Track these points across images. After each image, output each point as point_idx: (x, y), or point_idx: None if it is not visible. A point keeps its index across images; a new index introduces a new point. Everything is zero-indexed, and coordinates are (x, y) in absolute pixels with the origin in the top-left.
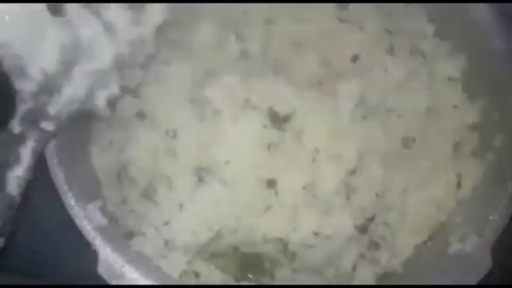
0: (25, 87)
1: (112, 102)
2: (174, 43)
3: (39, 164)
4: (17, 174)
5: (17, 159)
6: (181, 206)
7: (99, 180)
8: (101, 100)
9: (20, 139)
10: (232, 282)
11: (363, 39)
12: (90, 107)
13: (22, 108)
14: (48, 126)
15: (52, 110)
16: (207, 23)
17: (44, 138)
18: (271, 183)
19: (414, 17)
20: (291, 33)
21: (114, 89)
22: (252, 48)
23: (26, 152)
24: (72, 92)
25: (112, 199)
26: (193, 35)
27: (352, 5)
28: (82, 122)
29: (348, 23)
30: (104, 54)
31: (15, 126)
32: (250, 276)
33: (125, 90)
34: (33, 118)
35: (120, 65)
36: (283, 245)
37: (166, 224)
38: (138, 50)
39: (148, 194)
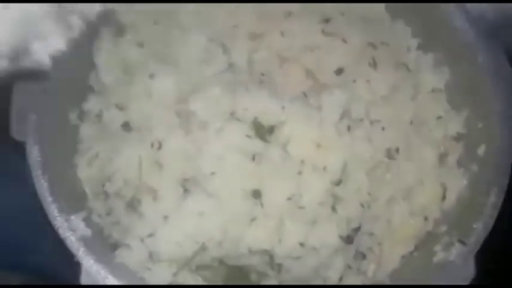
0: None
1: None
2: (160, 56)
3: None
4: None
5: None
6: (166, 218)
7: (84, 191)
8: (41, 55)
9: None
10: None
11: (347, 52)
12: (28, 65)
13: None
14: None
15: None
16: (194, 36)
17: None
18: (257, 194)
19: (398, 31)
20: (277, 47)
21: (55, 42)
22: (238, 61)
23: None
24: None
25: (97, 210)
26: (179, 48)
27: (336, 19)
28: (68, 133)
29: (332, 36)
30: None
31: None
32: None
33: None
34: None
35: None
36: (269, 256)
37: (151, 235)
38: None
39: (133, 206)
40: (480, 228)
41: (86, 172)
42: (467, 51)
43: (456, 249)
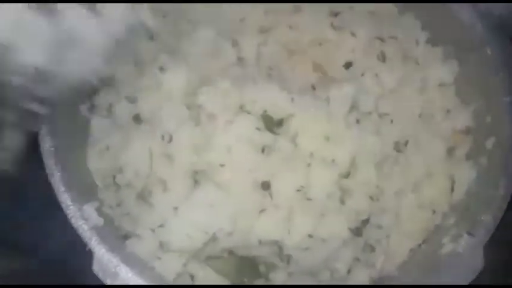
0: (16, 79)
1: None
2: (171, 50)
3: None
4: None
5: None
6: (176, 209)
7: (94, 183)
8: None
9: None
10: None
11: (355, 46)
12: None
13: (13, 96)
14: (40, 109)
15: (44, 94)
16: (204, 30)
17: (37, 121)
18: (266, 186)
19: (407, 24)
20: (286, 40)
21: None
22: (247, 55)
23: (16, 137)
24: (64, 79)
25: (108, 202)
26: (190, 42)
27: (344, 13)
28: (79, 126)
29: (340, 30)
30: (95, 42)
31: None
32: (246, 280)
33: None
34: (24, 103)
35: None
36: (278, 248)
37: (161, 226)
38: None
39: (143, 197)
40: (489, 220)
41: (96, 164)
42: (475, 45)
43: (465, 241)
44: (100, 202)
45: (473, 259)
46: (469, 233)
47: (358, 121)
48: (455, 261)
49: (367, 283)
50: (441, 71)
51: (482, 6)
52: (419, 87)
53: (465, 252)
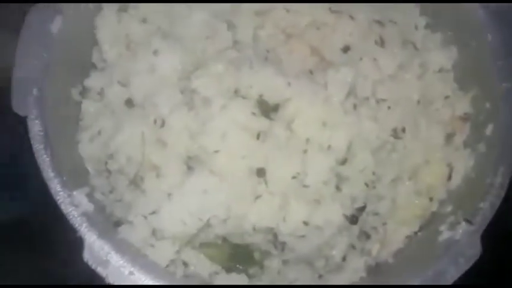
0: None
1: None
2: (164, 33)
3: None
4: None
5: None
6: (169, 195)
7: (86, 169)
8: None
9: None
10: (222, 272)
11: (353, 30)
12: None
13: None
14: None
15: None
16: (199, 13)
17: None
18: (261, 173)
19: (406, 9)
20: (283, 24)
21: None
22: (243, 38)
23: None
24: None
25: (99, 188)
26: (184, 24)
27: None
28: (70, 110)
29: (338, 13)
30: None
31: None
32: (240, 267)
33: None
34: None
35: None
36: (272, 235)
37: (154, 213)
38: None
39: (136, 183)
40: (487, 207)
41: (88, 149)
42: (476, 31)
43: (462, 228)
44: (91, 188)
45: (470, 246)
46: (467, 220)
47: (355, 106)
48: (452, 248)
49: (363, 270)
50: (440, 56)
51: None
52: (418, 73)
53: (462, 239)
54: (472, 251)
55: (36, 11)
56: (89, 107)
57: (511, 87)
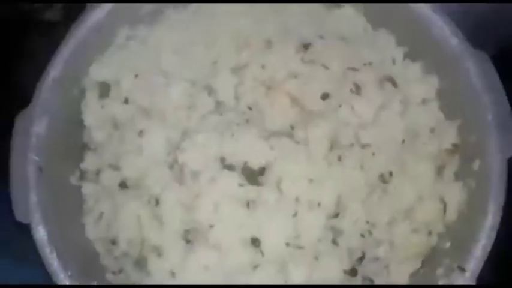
0: None
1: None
2: (146, 111)
3: None
4: None
5: None
6: (173, 274)
7: (95, 251)
8: None
9: None
10: None
11: (329, 78)
12: None
13: None
14: None
15: None
16: (177, 84)
17: None
18: (256, 242)
19: (382, 42)
20: (261, 77)
21: None
22: (224, 98)
23: None
24: None
25: (110, 268)
26: (164, 98)
27: (315, 44)
28: (71, 197)
29: (311, 63)
30: None
31: None
32: None
33: None
34: None
35: None
36: None
37: None
38: None
39: (141, 264)
40: (478, 253)
41: (94, 232)
42: (452, 60)
43: (456, 276)
44: (102, 269)
45: None
46: (460, 268)
47: (339, 158)
48: None
49: None
50: (422, 87)
51: (460, 6)
52: (399, 110)
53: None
54: None
55: (23, 117)
56: (88, 189)
57: (494, 121)
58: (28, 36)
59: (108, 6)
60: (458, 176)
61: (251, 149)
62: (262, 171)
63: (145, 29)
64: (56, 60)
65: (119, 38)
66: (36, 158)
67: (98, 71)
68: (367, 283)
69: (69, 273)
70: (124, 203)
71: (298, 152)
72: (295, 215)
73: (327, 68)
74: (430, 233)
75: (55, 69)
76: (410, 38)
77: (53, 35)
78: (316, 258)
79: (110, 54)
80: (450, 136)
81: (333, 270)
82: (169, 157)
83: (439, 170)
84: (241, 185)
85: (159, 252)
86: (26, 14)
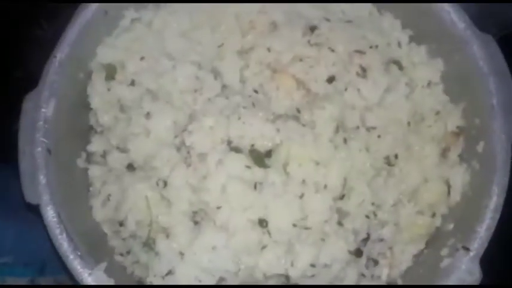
0: None
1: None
2: (153, 93)
3: None
4: None
5: None
6: (182, 255)
7: (104, 232)
8: None
9: None
10: None
11: (335, 60)
12: None
13: None
14: None
15: None
16: (183, 67)
17: None
18: (263, 223)
19: (387, 26)
20: (266, 60)
21: None
22: (230, 82)
23: None
24: None
25: (118, 249)
26: (171, 81)
27: (321, 27)
28: (79, 180)
29: (318, 46)
30: None
31: None
32: None
33: None
34: None
35: None
36: (285, 277)
37: (170, 273)
38: None
39: (149, 245)
40: (483, 232)
41: (101, 214)
42: (458, 43)
43: (460, 255)
44: (111, 250)
45: (471, 272)
46: (465, 247)
47: (345, 140)
48: (454, 274)
49: None
50: (427, 70)
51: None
52: (405, 92)
53: (462, 265)
54: (473, 277)
55: (30, 99)
56: (95, 172)
57: (498, 103)
58: (34, 20)
59: None
60: (462, 158)
61: (258, 132)
62: (269, 153)
63: (151, 11)
64: (62, 43)
65: (125, 21)
66: (45, 140)
67: (104, 53)
68: (372, 264)
69: (79, 253)
70: (132, 184)
71: (304, 134)
72: (301, 196)
73: (333, 50)
74: (434, 214)
75: (61, 52)
76: (416, 21)
77: (59, 20)
78: (323, 239)
79: (115, 37)
80: (455, 119)
81: (339, 251)
82: (176, 139)
83: (444, 153)
84: (248, 167)
85: (167, 233)
86: None
